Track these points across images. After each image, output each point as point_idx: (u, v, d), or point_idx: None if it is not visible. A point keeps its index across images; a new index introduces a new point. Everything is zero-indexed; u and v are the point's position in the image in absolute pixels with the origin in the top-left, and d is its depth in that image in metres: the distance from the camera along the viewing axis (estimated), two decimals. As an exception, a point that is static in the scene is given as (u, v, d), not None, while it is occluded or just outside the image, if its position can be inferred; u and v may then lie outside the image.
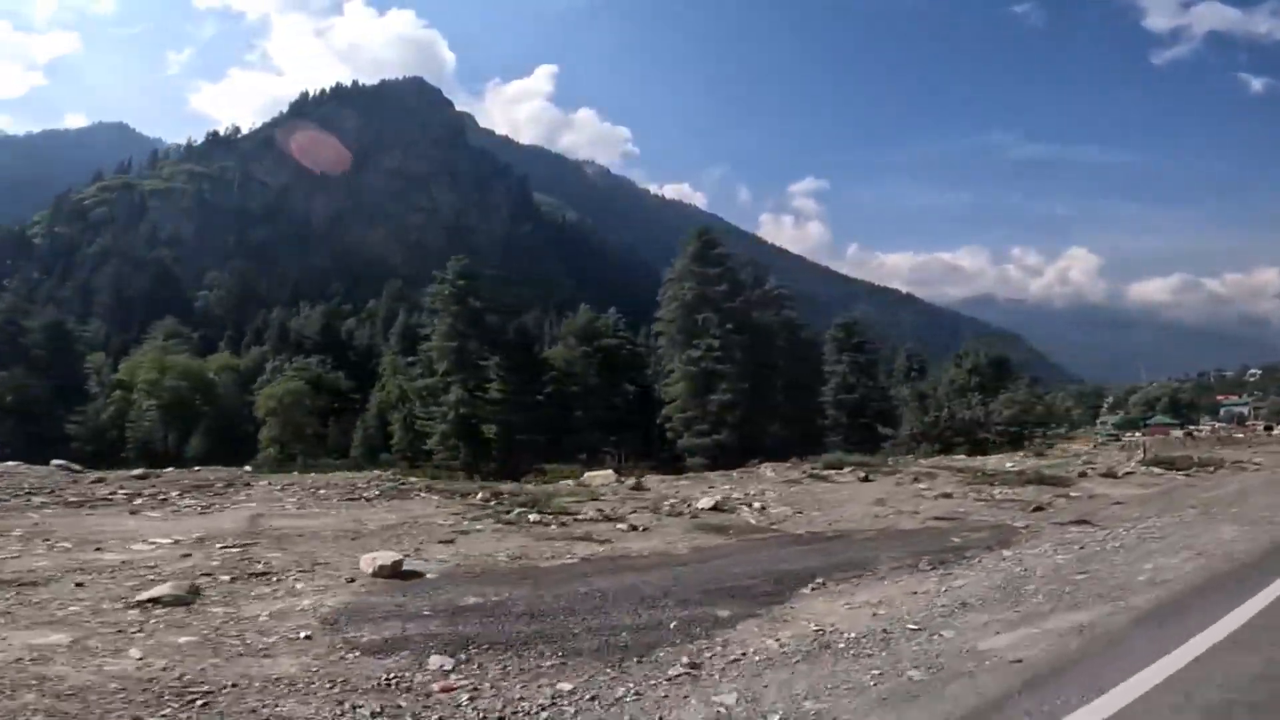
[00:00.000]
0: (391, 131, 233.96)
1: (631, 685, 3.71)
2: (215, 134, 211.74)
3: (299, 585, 5.39)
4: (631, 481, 12.67)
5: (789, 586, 5.74)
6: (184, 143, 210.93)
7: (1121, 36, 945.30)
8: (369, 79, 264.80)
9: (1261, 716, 3.26)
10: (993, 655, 4.11)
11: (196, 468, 12.73)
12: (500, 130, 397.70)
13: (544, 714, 3.40)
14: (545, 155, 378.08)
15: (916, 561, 6.60)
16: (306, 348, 72.78)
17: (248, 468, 13.67)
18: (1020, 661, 3.98)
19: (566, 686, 3.67)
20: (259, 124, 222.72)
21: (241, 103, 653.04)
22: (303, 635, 4.27)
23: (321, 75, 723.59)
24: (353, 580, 5.57)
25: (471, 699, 3.51)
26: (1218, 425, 67.74)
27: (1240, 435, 42.61)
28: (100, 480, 10.24)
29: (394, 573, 5.72)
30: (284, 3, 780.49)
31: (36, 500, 8.66)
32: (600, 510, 9.51)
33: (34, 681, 3.36)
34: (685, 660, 4.05)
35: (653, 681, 3.77)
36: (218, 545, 6.49)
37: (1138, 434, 54.02)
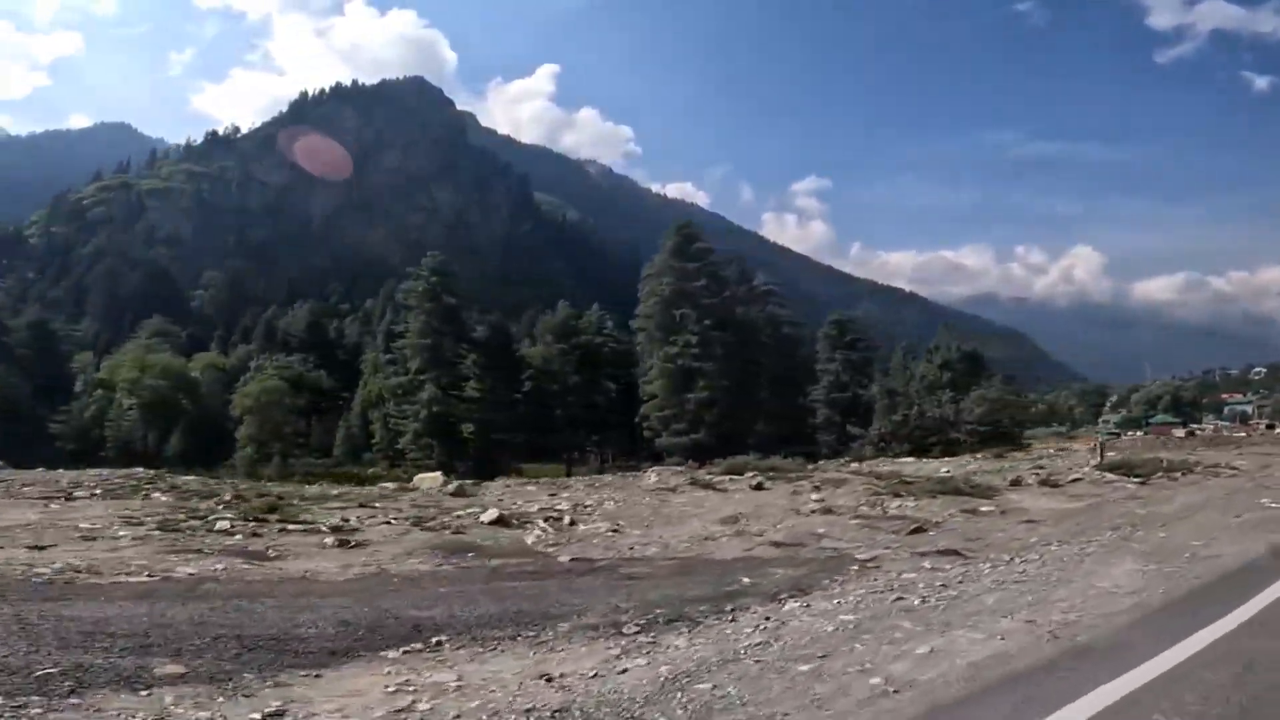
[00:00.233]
0: (392, 131, 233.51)
1: None
2: (214, 133, 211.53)
3: None
4: (453, 487, 11.89)
5: (369, 644, 4.30)
6: (184, 143, 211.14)
7: (1125, 35, 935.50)
8: (370, 79, 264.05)
9: None
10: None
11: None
12: (502, 130, 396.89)
13: None
14: (547, 155, 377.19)
15: (630, 620, 4.87)
16: (292, 346, 72.16)
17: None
18: None
19: None
20: (259, 124, 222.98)
21: (243, 103, 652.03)
22: None
23: (323, 75, 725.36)
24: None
25: None
26: (1220, 424, 66.56)
27: (1241, 434, 41.58)
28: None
29: None
30: (285, 3, 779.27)
31: None
32: (345, 520, 8.87)
33: None
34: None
35: None
36: None
37: (1139, 433, 53.03)
